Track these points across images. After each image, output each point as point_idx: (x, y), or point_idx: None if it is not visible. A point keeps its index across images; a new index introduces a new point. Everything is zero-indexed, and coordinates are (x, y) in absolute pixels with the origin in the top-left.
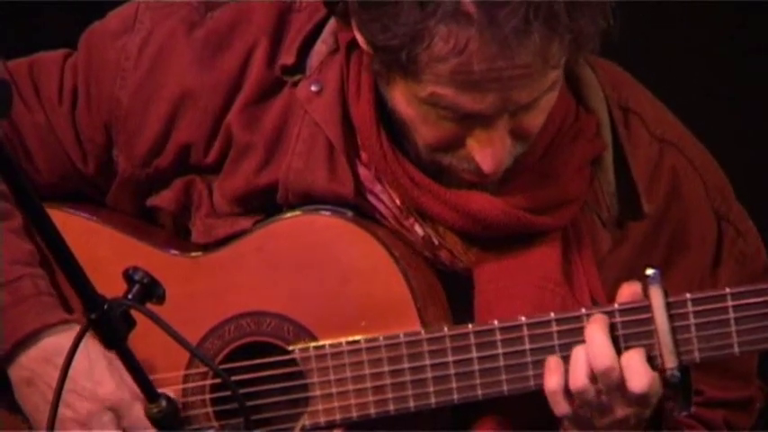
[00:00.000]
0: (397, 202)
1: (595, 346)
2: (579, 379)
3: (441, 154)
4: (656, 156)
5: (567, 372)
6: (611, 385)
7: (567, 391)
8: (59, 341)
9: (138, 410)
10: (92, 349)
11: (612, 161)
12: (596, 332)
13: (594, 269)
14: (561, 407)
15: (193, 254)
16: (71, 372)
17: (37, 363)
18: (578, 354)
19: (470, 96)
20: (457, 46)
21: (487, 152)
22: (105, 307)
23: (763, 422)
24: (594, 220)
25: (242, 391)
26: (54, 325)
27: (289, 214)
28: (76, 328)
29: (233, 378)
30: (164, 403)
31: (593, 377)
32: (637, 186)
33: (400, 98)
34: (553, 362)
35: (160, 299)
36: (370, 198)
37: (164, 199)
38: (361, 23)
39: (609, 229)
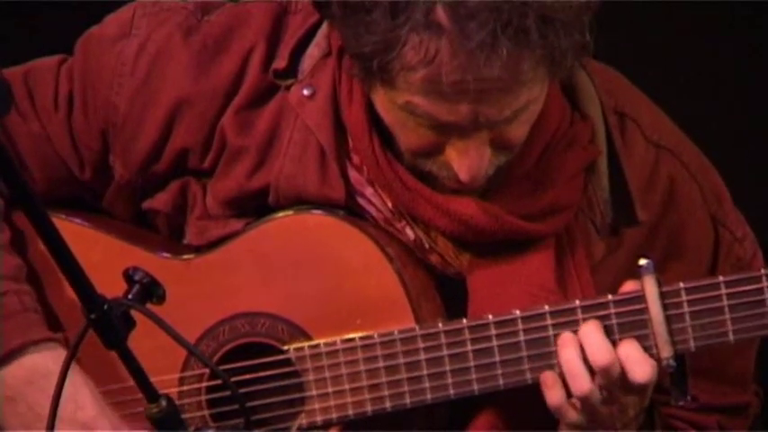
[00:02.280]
0: (389, 205)
1: (593, 345)
2: (583, 384)
3: (421, 160)
4: (651, 161)
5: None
6: (612, 380)
7: (571, 400)
8: (43, 361)
9: None
10: (76, 377)
11: (607, 167)
12: (591, 331)
13: (588, 276)
14: (570, 415)
15: (186, 256)
16: (51, 393)
17: (20, 383)
18: (571, 356)
19: (443, 107)
20: (427, 55)
21: (464, 162)
22: (105, 307)
23: (762, 423)
24: (588, 226)
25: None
26: (38, 342)
27: (280, 214)
28: (60, 349)
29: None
30: (164, 403)
31: (593, 375)
32: (631, 193)
33: (380, 104)
34: (549, 377)
35: (160, 299)
36: (361, 201)
37: (159, 201)
38: (338, 29)
39: (603, 235)
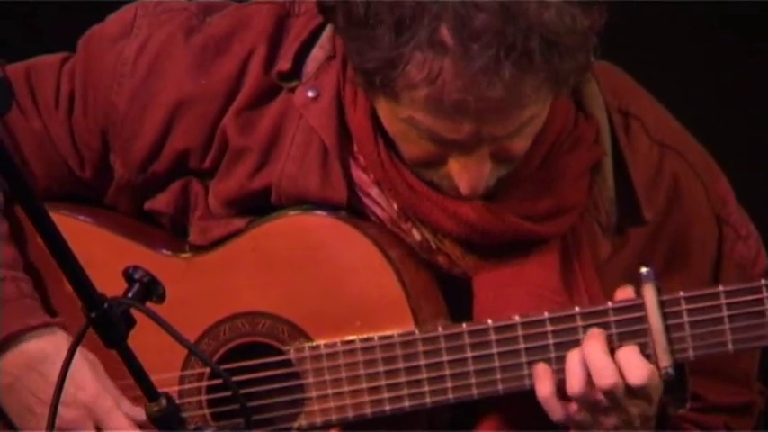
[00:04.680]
0: (395, 206)
1: (597, 365)
2: (577, 385)
3: (423, 170)
4: (656, 160)
5: (560, 374)
6: (616, 397)
7: (561, 395)
8: (42, 345)
9: (118, 418)
10: (75, 355)
11: (612, 167)
12: (596, 350)
13: (594, 276)
14: (557, 412)
15: (188, 254)
16: (52, 378)
17: (19, 368)
18: (574, 359)
19: (446, 125)
20: (430, 74)
21: (464, 176)
22: (105, 306)
23: (764, 423)
24: (594, 226)
25: None
26: (36, 327)
27: (282, 214)
28: (59, 332)
29: None
30: (164, 402)
31: (591, 382)
32: (636, 192)
33: (383, 115)
34: (540, 369)
35: (160, 298)
36: (367, 201)
37: (161, 202)
38: (342, 41)
39: (608, 235)
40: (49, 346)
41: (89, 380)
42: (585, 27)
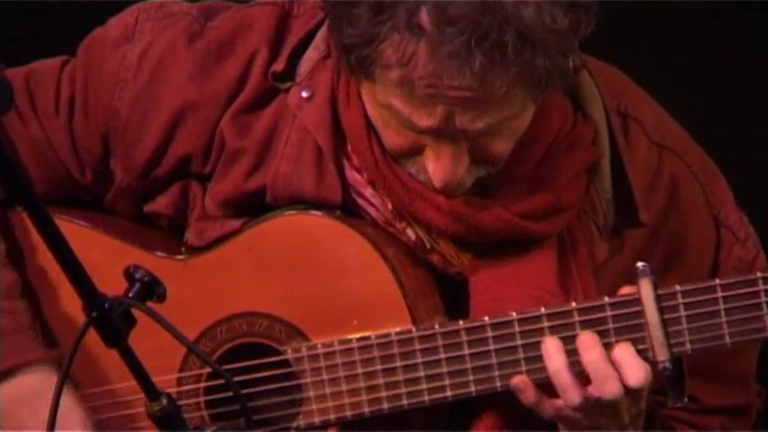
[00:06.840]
0: (389, 206)
1: (590, 358)
2: (574, 397)
3: (403, 160)
4: (654, 162)
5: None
6: (606, 391)
7: (549, 393)
8: (34, 382)
9: None
10: (67, 401)
11: (610, 168)
12: (589, 345)
13: (591, 277)
14: (547, 413)
15: (184, 256)
16: (43, 414)
17: (10, 403)
18: (561, 366)
19: (419, 111)
20: (404, 56)
21: (439, 167)
22: (106, 305)
23: (764, 423)
24: (591, 227)
25: None
26: (31, 362)
27: (278, 214)
28: (53, 370)
29: None
30: (165, 402)
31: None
32: (634, 194)
33: (366, 100)
34: (519, 381)
35: (161, 297)
36: (361, 202)
37: (160, 204)
38: (328, 17)
39: (606, 236)
40: (40, 382)
41: (79, 426)
42: (565, 27)
